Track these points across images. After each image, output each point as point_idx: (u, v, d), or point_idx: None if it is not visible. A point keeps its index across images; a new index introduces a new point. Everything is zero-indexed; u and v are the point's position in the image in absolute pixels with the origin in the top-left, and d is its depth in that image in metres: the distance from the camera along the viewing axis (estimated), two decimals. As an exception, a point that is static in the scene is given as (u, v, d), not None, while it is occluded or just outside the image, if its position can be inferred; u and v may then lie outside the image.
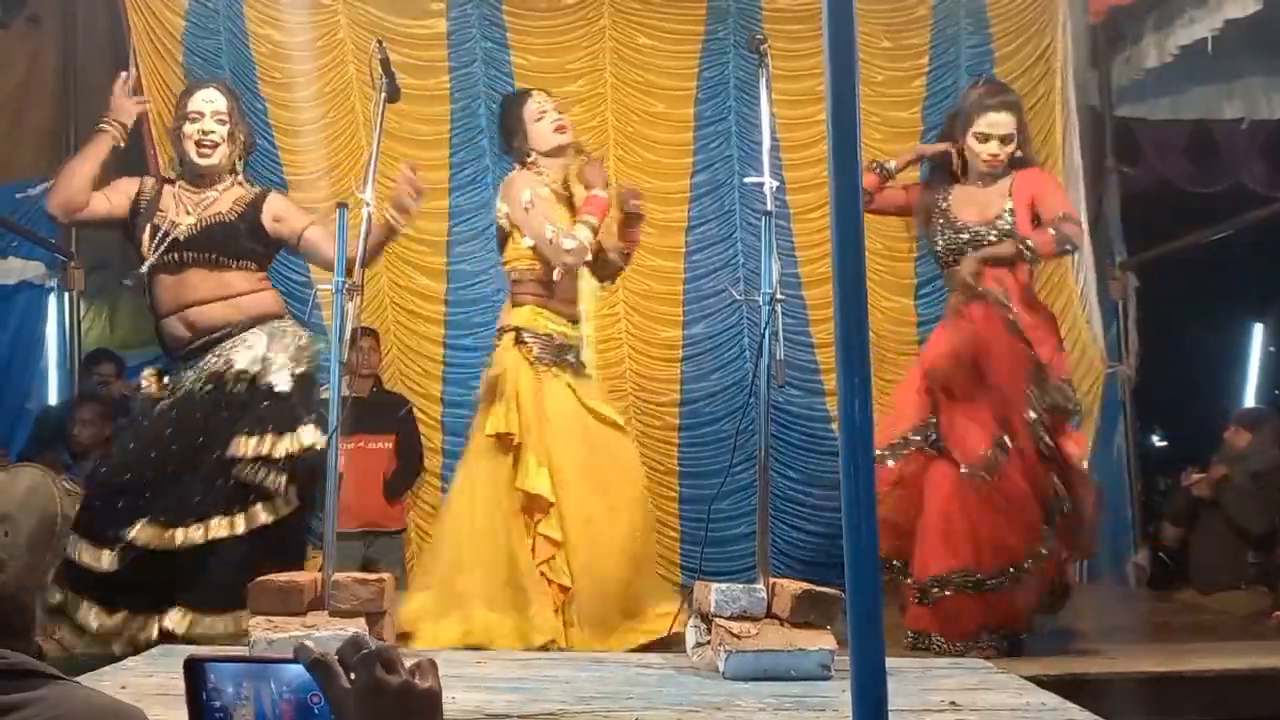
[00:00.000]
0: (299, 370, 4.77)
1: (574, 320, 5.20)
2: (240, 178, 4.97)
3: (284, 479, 4.57)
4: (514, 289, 5.15)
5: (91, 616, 4.55)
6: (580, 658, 4.35)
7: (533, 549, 4.83)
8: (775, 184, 4.45)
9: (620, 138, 7.51)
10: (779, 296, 4.21)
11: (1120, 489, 7.76)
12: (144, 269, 4.77)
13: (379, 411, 6.86)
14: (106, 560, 4.52)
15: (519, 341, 5.02)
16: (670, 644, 4.49)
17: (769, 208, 4.35)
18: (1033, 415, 4.81)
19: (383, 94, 4.60)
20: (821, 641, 3.90)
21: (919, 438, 5.01)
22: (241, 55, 7.33)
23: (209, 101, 4.87)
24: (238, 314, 4.77)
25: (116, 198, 4.87)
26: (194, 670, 1.32)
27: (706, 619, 4.12)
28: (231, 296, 4.78)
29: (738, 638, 3.92)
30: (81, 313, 7.90)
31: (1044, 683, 3.89)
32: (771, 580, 4.12)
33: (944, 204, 5.20)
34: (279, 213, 4.92)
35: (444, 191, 7.50)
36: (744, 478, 6.04)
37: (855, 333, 1.78)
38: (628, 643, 4.72)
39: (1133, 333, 7.82)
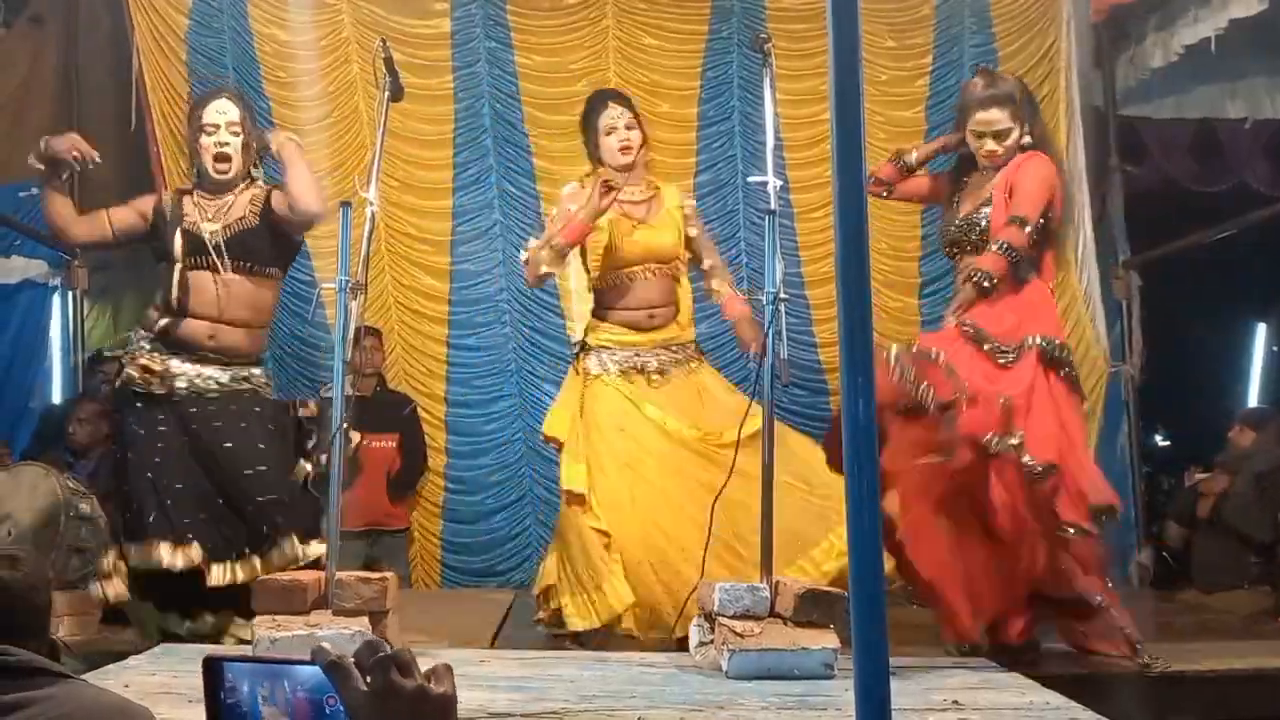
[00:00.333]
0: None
1: (638, 328, 5.24)
2: (256, 180, 5.08)
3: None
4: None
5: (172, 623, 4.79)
6: (584, 657, 4.36)
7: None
8: (779, 183, 4.45)
9: (623, 137, 7.51)
10: (783, 296, 4.22)
11: (1123, 488, 7.75)
12: (175, 270, 4.91)
13: (383, 410, 6.87)
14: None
15: (581, 352, 5.28)
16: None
17: (773, 207, 4.35)
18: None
19: (386, 93, 4.61)
20: (824, 640, 3.90)
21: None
22: (245, 54, 7.34)
23: (222, 113, 4.96)
24: (253, 347, 5.03)
25: (121, 216, 5.07)
26: (212, 669, 1.33)
27: (710, 618, 4.13)
28: (255, 325, 4.99)
29: (741, 636, 3.93)
30: (85, 311, 7.91)
31: (1047, 682, 3.89)
32: (775, 579, 4.12)
33: (958, 196, 5.18)
34: (280, 199, 4.99)
35: (447, 191, 7.51)
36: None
37: (859, 332, 1.78)
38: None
39: (1136, 332, 7.81)
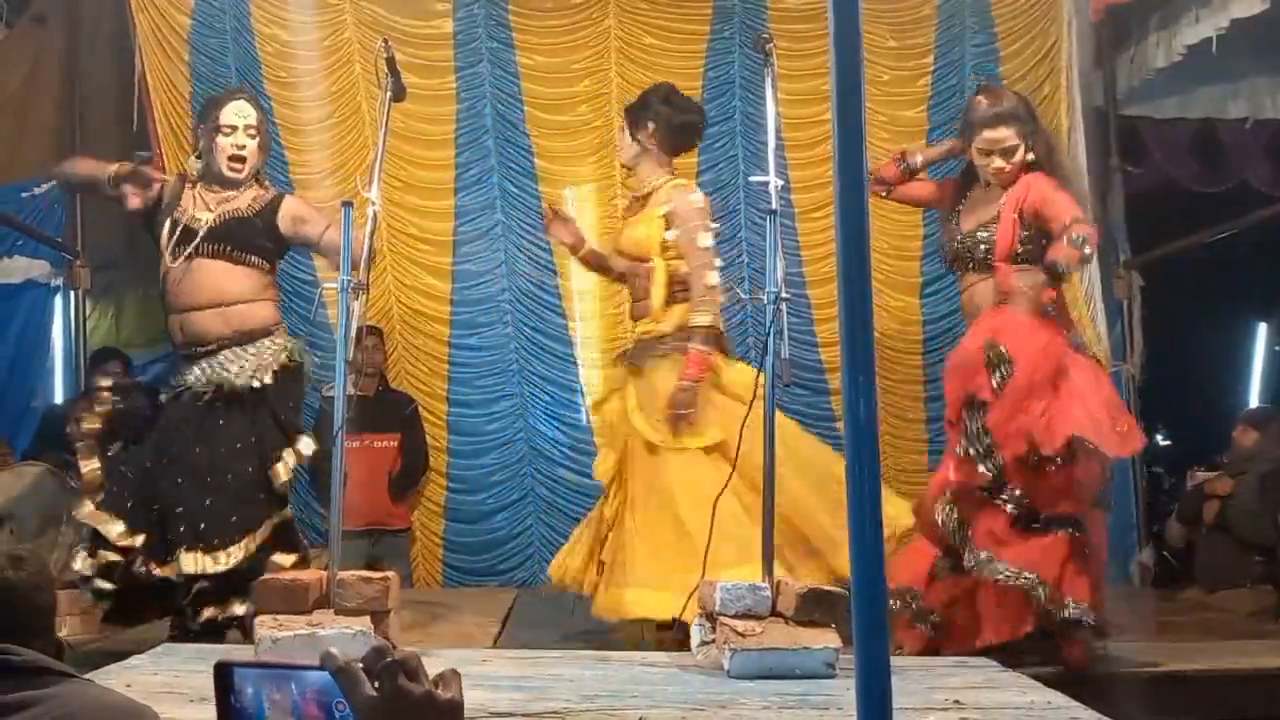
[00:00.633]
0: (289, 379, 5.02)
1: (638, 318, 5.44)
2: (262, 180, 5.16)
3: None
4: None
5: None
6: (585, 656, 4.36)
7: None
8: (780, 183, 4.45)
9: (625, 137, 7.51)
10: (784, 295, 4.22)
11: (1125, 488, 7.75)
12: (171, 263, 4.98)
13: (384, 410, 6.88)
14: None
15: None
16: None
17: (774, 206, 4.36)
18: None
19: (388, 93, 4.62)
20: (826, 640, 3.90)
21: None
22: (247, 54, 7.34)
23: (242, 115, 5.04)
24: (227, 328, 4.96)
25: (135, 190, 5.11)
26: (223, 674, 1.33)
27: (711, 617, 4.13)
28: (233, 304, 4.95)
29: (742, 636, 3.93)
30: (87, 311, 7.92)
31: (1049, 681, 3.90)
32: (776, 579, 4.12)
33: (959, 209, 5.21)
34: (299, 214, 5.09)
35: (449, 191, 7.52)
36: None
37: (860, 332, 1.78)
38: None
39: (1137, 332, 7.81)
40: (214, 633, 4.73)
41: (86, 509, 4.82)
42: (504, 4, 7.53)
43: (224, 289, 4.96)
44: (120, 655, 4.25)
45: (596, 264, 5.79)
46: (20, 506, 5.50)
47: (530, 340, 7.49)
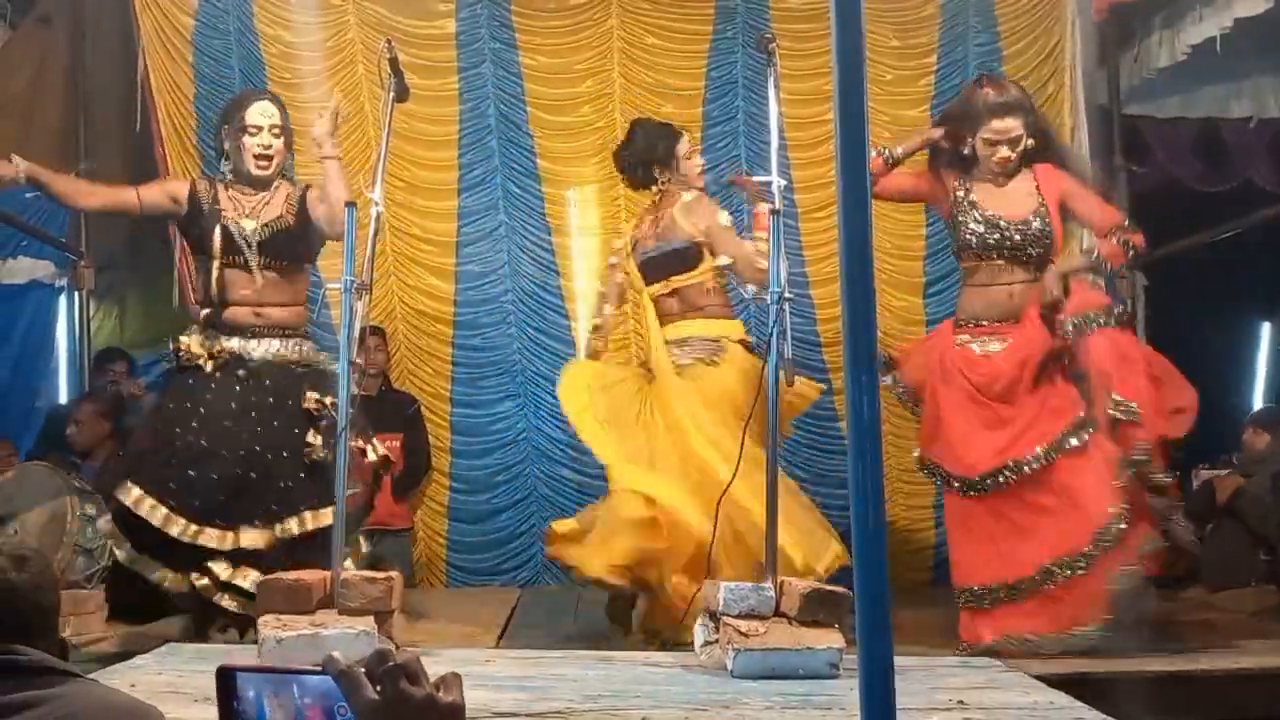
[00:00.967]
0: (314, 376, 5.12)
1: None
2: (287, 177, 5.25)
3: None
4: (700, 300, 5.52)
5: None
6: (588, 656, 4.36)
7: None
8: (783, 183, 4.46)
9: (629, 137, 7.51)
10: (787, 295, 4.22)
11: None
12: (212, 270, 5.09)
13: (387, 410, 6.88)
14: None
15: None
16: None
17: (777, 206, 4.36)
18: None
19: (391, 94, 4.64)
20: (829, 640, 3.91)
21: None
22: (251, 55, 7.35)
23: (267, 115, 5.14)
24: (268, 321, 5.10)
25: (151, 193, 5.26)
26: (225, 678, 1.34)
27: (715, 617, 4.13)
28: (278, 304, 5.11)
29: (746, 636, 3.93)
30: (91, 312, 7.93)
31: (1052, 681, 3.90)
32: (780, 579, 4.12)
33: (968, 195, 5.23)
34: (316, 196, 5.13)
35: (452, 192, 7.52)
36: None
37: (863, 332, 1.78)
38: None
39: (1141, 332, 7.80)
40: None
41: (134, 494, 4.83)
42: (506, 4, 7.53)
43: (292, 290, 5.16)
44: (125, 655, 4.26)
45: None
46: (24, 506, 5.50)
47: (533, 340, 7.49)
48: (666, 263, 5.53)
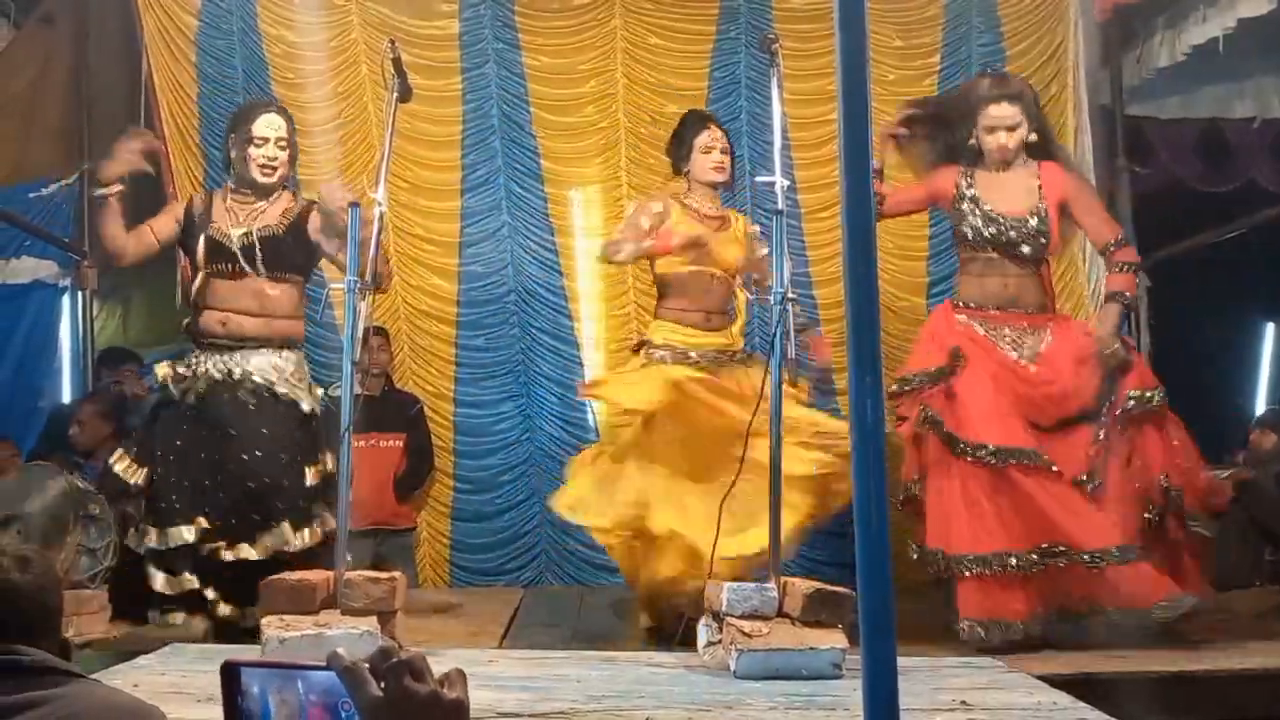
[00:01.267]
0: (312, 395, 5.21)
1: (695, 327, 5.62)
2: (290, 189, 5.30)
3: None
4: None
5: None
6: (592, 656, 4.36)
7: None
8: (786, 183, 4.47)
9: (632, 138, 7.51)
10: (791, 296, 4.22)
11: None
12: (197, 279, 5.19)
13: (390, 410, 6.89)
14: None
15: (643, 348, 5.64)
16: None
17: (780, 207, 4.37)
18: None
19: (395, 94, 4.63)
20: (832, 640, 3.91)
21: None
22: (254, 55, 7.35)
23: (274, 128, 5.19)
24: (269, 330, 5.12)
25: (162, 227, 5.30)
26: (230, 674, 1.34)
27: (718, 618, 4.13)
28: (270, 316, 5.12)
29: (749, 636, 3.93)
30: (94, 312, 7.94)
31: (1055, 682, 3.89)
32: (783, 579, 4.12)
33: (970, 189, 5.27)
34: (319, 225, 5.10)
35: (455, 193, 7.52)
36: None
37: (866, 332, 1.78)
38: None
39: (1144, 332, 7.80)
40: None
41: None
42: (509, 5, 7.53)
43: (264, 301, 5.14)
44: (127, 655, 4.26)
45: None
46: (27, 507, 5.50)
47: (536, 341, 7.49)
48: None
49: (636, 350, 5.73)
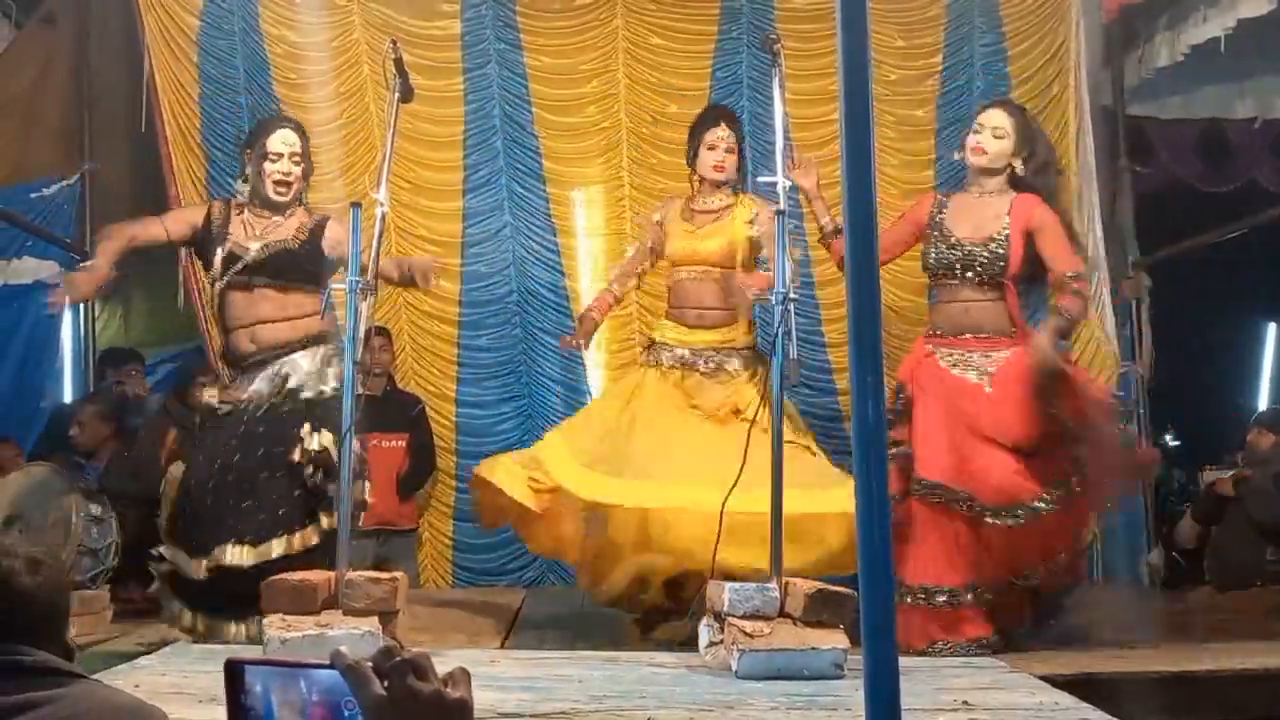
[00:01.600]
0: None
1: (689, 325, 5.64)
2: (304, 205, 5.28)
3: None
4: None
5: (187, 619, 4.86)
6: (593, 657, 4.36)
7: None
8: (788, 183, 4.46)
9: (634, 139, 7.51)
10: (792, 296, 4.22)
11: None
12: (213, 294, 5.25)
13: (392, 410, 6.89)
14: (201, 570, 4.79)
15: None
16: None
17: (782, 207, 4.36)
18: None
19: (396, 95, 4.64)
20: (834, 640, 3.91)
21: None
22: (256, 56, 7.35)
23: (288, 144, 5.20)
24: (295, 333, 5.10)
25: (176, 225, 5.32)
26: (233, 672, 1.34)
27: (720, 618, 4.13)
28: (292, 318, 5.10)
29: (750, 637, 3.93)
30: (96, 312, 7.94)
31: (1057, 682, 3.89)
32: (785, 579, 4.12)
33: (940, 216, 5.27)
34: (341, 239, 5.10)
35: (457, 193, 7.52)
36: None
37: (868, 332, 1.78)
38: None
39: (1147, 332, 7.80)
40: None
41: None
42: (511, 5, 7.53)
43: (280, 310, 5.14)
44: (129, 656, 4.26)
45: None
46: (29, 507, 5.51)
47: (538, 341, 7.49)
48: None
49: (647, 349, 5.79)
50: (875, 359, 1.78)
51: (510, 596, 6.63)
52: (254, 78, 7.31)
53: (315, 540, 4.77)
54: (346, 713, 1.31)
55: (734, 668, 3.91)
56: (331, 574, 4.17)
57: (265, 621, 4.03)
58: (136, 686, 3.29)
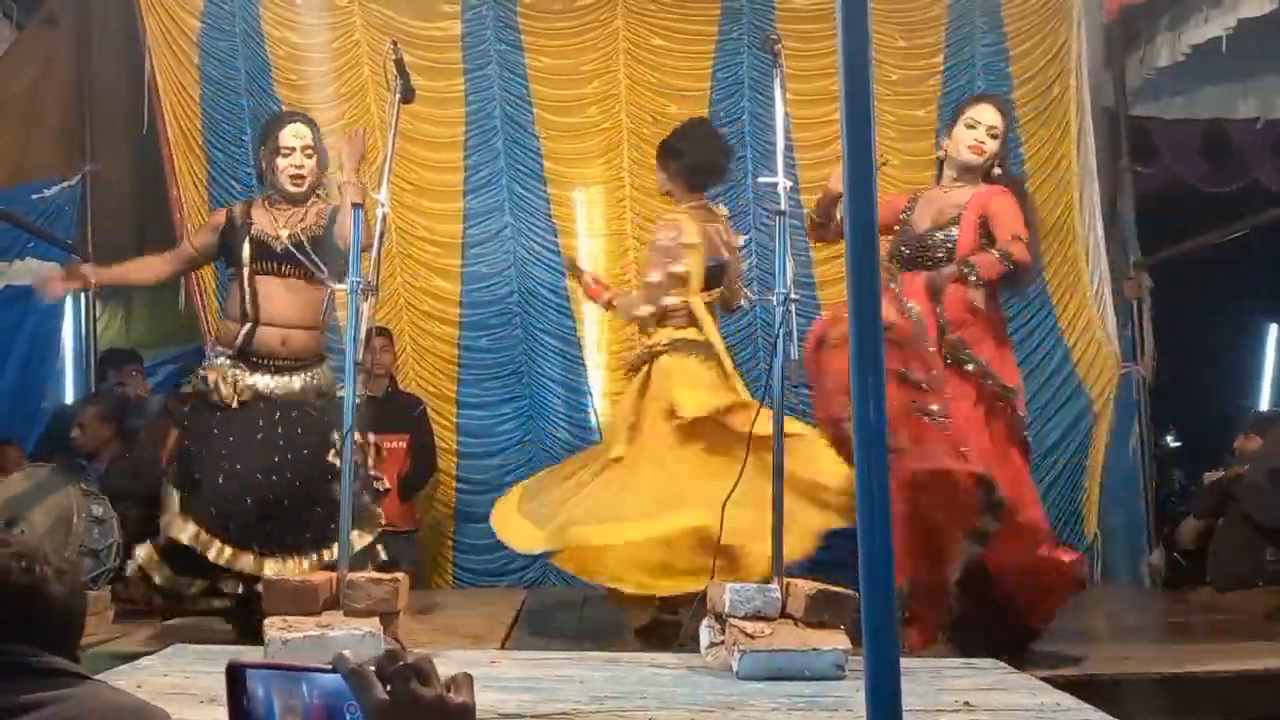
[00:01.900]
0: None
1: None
2: (321, 194, 5.39)
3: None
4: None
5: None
6: (594, 657, 4.36)
7: None
8: (789, 184, 4.45)
9: (634, 139, 7.51)
10: (793, 297, 4.21)
11: (1135, 489, 7.75)
12: (244, 275, 5.28)
13: (393, 411, 6.88)
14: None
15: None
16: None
17: (783, 207, 4.36)
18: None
19: (397, 95, 4.63)
20: (835, 641, 3.90)
21: None
22: (257, 57, 7.36)
23: (299, 137, 5.31)
24: (291, 348, 5.23)
25: (201, 239, 5.48)
26: (235, 676, 1.33)
27: (721, 619, 4.13)
28: (300, 327, 5.23)
29: (751, 638, 3.93)
30: (97, 313, 7.94)
31: (1058, 683, 3.89)
32: (785, 580, 4.12)
33: (908, 211, 5.24)
34: (348, 231, 5.15)
35: (458, 194, 7.53)
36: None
37: (869, 333, 1.78)
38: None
39: (1148, 333, 7.79)
40: None
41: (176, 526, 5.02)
42: (512, 6, 7.54)
43: (296, 309, 5.23)
44: (130, 656, 4.26)
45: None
46: (30, 508, 5.51)
47: (539, 342, 7.50)
48: (714, 275, 5.61)
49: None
50: (876, 359, 1.77)
51: (511, 597, 6.63)
52: (255, 79, 7.32)
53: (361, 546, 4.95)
54: (349, 717, 1.31)
55: (735, 668, 3.91)
56: (333, 574, 4.17)
57: (266, 622, 4.03)
58: (139, 687, 3.28)
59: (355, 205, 4.45)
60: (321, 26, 7.37)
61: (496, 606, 6.21)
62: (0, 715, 1.78)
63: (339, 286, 4.49)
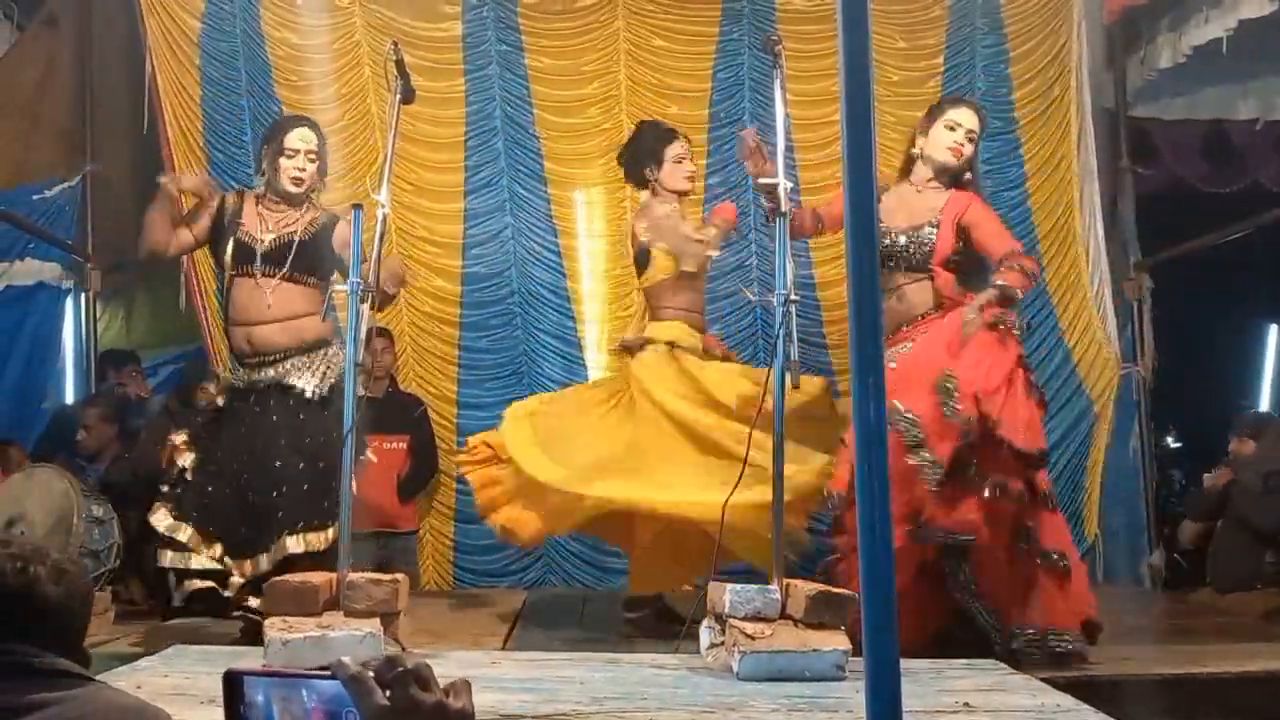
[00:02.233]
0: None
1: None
2: (316, 200, 5.41)
3: None
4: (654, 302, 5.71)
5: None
6: (595, 658, 4.36)
7: None
8: (789, 185, 4.46)
9: (635, 139, 7.51)
10: (793, 298, 4.21)
11: (1135, 489, 7.74)
12: (225, 279, 5.39)
13: (393, 412, 6.89)
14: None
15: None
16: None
17: (783, 208, 4.36)
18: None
19: (398, 96, 4.64)
20: (835, 642, 3.90)
21: None
22: (257, 58, 7.36)
23: (305, 141, 5.36)
24: (292, 339, 5.22)
25: (199, 228, 5.43)
26: (233, 683, 1.33)
27: (721, 620, 4.13)
28: (294, 319, 5.21)
29: (752, 638, 3.92)
30: (98, 313, 7.94)
31: (1058, 684, 3.89)
32: (786, 581, 4.12)
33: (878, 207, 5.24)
34: (348, 238, 5.13)
35: (459, 194, 7.52)
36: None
37: (870, 334, 1.78)
38: None
39: (1148, 334, 7.79)
40: None
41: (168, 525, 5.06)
42: (513, 7, 7.54)
43: (285, 305, 5.23)
44: (130, 657, 4.26)
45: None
46: (32, 508, 5.52)
47: (539, 343, 7.49)
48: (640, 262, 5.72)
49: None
50: (876, 360, 1.78)
51: (511, 598, 6.63)
52: (255, 80, 7.32)
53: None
54: None
55: (735, 669, 3.91)
56: (333, 575, 4.16)
57: (267, 623, 4.02)
58: (138, 688, 3.29)
59: (355, 206, 4.45)
60: (322, 27, 7.38)
61: (497, 607, 6.21)
62: (3, 715, 1.78)
63: (339, 288, 4.49)
